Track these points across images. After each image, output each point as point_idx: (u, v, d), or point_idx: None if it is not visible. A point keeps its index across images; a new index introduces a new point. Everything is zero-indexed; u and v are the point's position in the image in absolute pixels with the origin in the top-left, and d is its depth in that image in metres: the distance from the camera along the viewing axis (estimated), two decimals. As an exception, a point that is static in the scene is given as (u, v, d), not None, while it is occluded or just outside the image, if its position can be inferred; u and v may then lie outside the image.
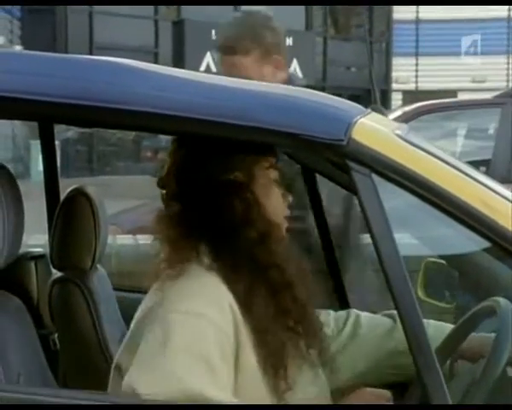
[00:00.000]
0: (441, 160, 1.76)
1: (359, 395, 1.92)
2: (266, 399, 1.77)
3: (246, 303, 1.75)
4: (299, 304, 1.81)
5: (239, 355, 1.72)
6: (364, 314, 2.16)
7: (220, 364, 1.68)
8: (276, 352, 1.77)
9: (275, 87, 1.79)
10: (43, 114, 1.76)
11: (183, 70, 1.77)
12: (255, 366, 1.75)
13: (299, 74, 20.33)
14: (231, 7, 18.98)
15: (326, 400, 1.94)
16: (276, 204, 1.86)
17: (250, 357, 1.74)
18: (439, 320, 2.55)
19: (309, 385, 1.87)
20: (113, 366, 1.77)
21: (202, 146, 1.81)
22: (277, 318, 1.79)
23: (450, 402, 1.56)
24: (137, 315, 1.79)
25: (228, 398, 1.66)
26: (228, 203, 1.79)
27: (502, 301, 1.87)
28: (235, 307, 1.73)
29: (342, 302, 2.80)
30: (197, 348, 1.65)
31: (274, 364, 1.77)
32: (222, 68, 2.97)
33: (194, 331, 1.66)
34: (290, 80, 3.03)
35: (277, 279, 1.79)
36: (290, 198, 1.90)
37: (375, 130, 1.74)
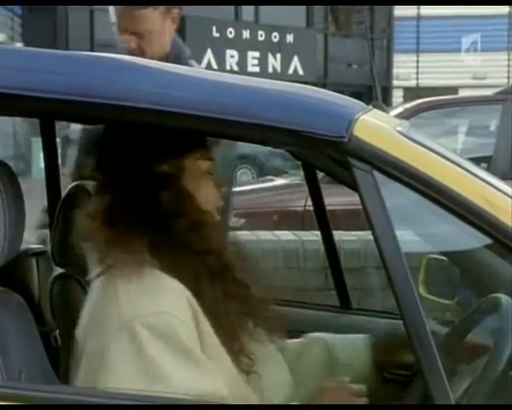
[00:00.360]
0: (442, 156, 1.76)
1: (334, 393, 1.89)
2: (236, 377, 1.79)
3: (196, 292, 1.75)
4: (239, 286, 1.83)
5: (203, 343, 1.73)
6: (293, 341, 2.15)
7: (200, 353, 1.70)
8: (232, 332, 1.79)
9: (276, 84, 1.78)
10: (44, 111, 1.75)
11: (184, 67, 1.77)
12: (219, 348, 1.76)
13: (301, 71, 20.33)
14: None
15: (285, 377, 1.95)
16: (208, 194, 1.86)
17: (213, 342, 1.75)
18: (441, 317, 2.56)
19: (265, 362, 1.88)
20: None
21: (131, 139, 1.81)
22: (224, 300, 1.80)
23: (453, 399, 1.56)
24: (87, 315, 1.75)
25: (220, 385, 1.69)
26: (156, 197, 1.78)
27: (503, 297, 1.87)
28: (190, 297, 1.74)
29: (344, 301, 2.81)
30: (173, 345, 1.66)
31: (232, 343, 1.78)
32: (123, 21, 2.93)
33: (164, 330, 1.66)
34: (175, 39, 3.04)
35: (215, 264, 1.80)
36: (224, 188, 1.91)
37: (376, 127, 1.74)
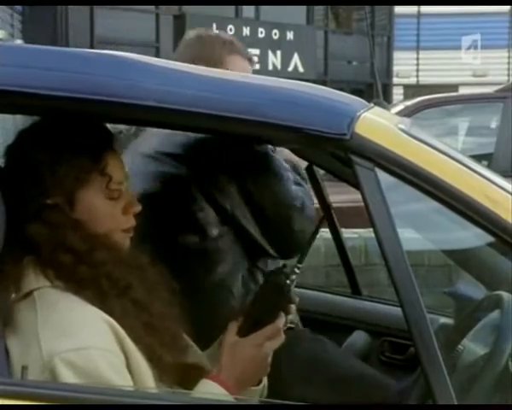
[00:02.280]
0: (444, 154, 1.76)
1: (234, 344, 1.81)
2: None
3: (110, 313, 1.70)
4: (139, 306, 1.75)
5: (131, 363, 1.69)
6: None
7: (123, 381, 1.65)
8: (151, 349, 1.73)
9: (277, 81, 1.78)
10: (48, 109, 1.75)
11: (190, 65, 1.76)
12: (145, 365, 1.72)
13: (301, 68, 20.32)
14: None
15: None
16: (105, 219, 1.79)
17: (139, 360, 1.71)
18: (442, 313, 2.57)
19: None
20: None
21: (24, 170, 1.76)
22: (136, 318, 1.74)
23: (454, 396, 1.56)
24: (13, 344, 1.67)
25: None
26: (43, 228, 1.73)
27: (505, 294, 1.88)
28: (110, 320, 1.68)
29: (353, 287, 2.86)
30: (95, 380, 1.61)
31: (154, 358, 1.73)
32: None
33: (86, 367, 1.61)
34: None
35: (108, 288, 1.72)
36: (139, 208, 1.83)
37: (378, 124, 1.74)
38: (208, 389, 1.75)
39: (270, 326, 1.80)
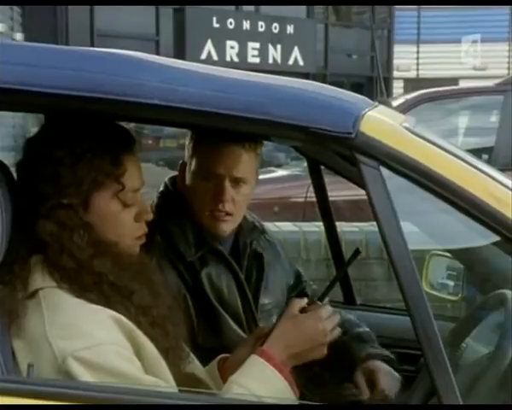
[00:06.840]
0: (448, 152, 1.76)
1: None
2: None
3: (118, 310, 1.71)
4: (141, 310, 1.76)
5: (142, 351, 1.71)
6: None
7: (135, 370, 1.67)
8: (161, 342, 1.76)
9: (283, 80, 1.78)
10: (51, 107, 1.75)
11: (194, 63, 1.76)
12: (156, 352, 1.73)
13: (301, 62, 20.27)
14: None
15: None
16: (116, 225, 1.79)
17: (150, 347, 1.73)
18: (445, 313, 2.57)
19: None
20: None
21: (42, 166, 1.75)
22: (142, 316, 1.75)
23: (459, 395, 1.57)
24: (21, 344, 1.68)
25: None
26: (54, 227, 1.73)
27: (509, 293, 1.88)
28: (116, 316, 1.70)
29: (347, 296, 2.83)
30: (109, 374, 1.63)
31: (165, 347, 1.76)
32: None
33: (99, 363, 1.63)
34: None
35: (111, 294, 1.73)
36: (151, 215, 1.85)
37: (383, 123, 1.74)
38: (255, 365, 1.81)
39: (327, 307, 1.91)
